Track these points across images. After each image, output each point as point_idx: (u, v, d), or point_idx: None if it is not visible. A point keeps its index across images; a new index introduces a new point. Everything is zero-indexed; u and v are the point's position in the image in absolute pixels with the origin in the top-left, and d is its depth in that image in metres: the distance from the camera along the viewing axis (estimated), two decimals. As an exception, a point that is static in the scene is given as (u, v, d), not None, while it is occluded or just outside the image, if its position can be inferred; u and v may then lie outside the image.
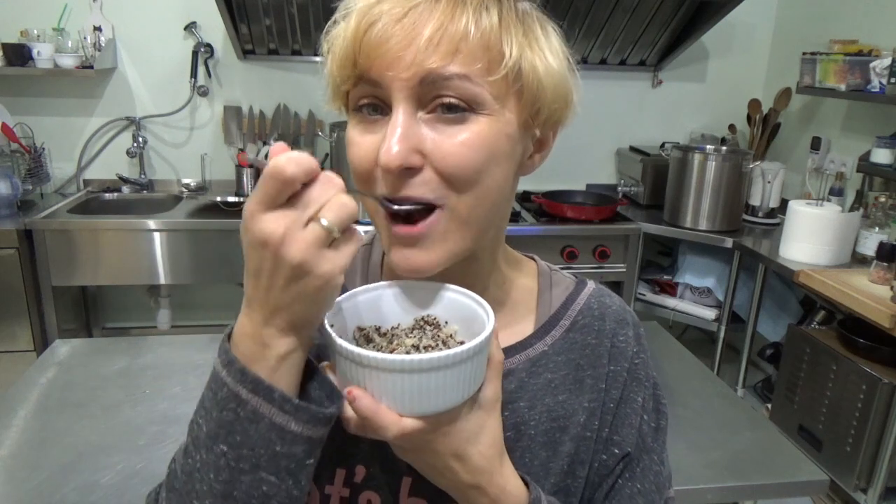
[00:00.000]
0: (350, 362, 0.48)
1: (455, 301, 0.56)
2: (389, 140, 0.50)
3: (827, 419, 2.06)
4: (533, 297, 0.68)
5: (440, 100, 0.51)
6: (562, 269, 0.72)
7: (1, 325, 2.44)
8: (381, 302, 0.57)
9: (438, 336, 0.55)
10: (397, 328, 0.56)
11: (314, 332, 0.50)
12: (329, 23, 0.55)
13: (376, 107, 0.53)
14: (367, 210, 0.56)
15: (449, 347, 0.52)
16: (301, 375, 0.52)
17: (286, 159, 0.43)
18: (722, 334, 2.73)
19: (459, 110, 0.51)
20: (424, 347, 0.53)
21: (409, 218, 0.53)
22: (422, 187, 0.51)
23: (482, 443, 0.53)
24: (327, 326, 0.49)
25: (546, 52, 0.54)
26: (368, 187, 0.53)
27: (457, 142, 0.51)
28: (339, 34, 0.53)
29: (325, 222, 0.45)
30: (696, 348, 1.87)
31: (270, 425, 0.48)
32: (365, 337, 0.55)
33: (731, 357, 2.85)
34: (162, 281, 2.59)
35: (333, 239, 0.46)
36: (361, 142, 0.53)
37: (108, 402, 1.40)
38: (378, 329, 0.56)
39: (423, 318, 0.57)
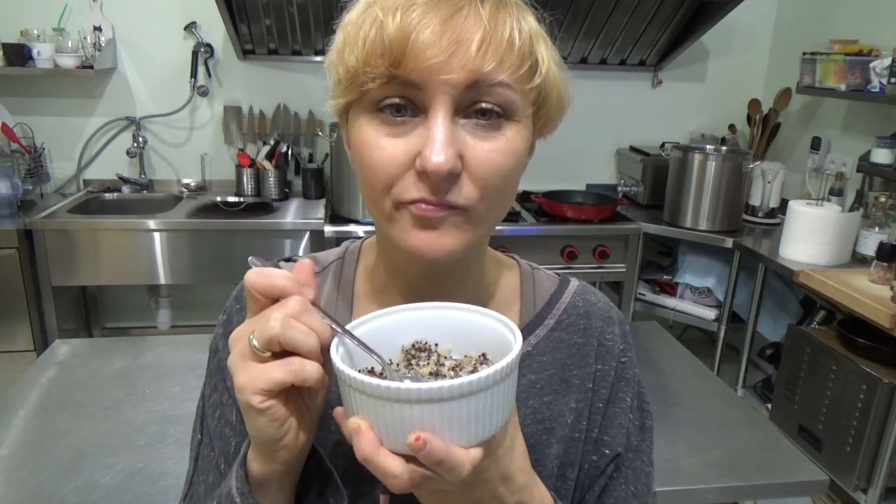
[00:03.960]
0: (392, 402, 0.42)
1: (441, 318, 0.53)
2: (437, 145, 0.48)
3: (827, 419, 2.06)
4: (516, 296, 0.67)
5: (478, 105, 0.50)
6: (561, 269, 0.72)
7: (1, 325, 2.44)
8: (367, 338, 0.51)
9: (442, 359, 0.51)
10: (393, 364, 0.51)
11: (286, 456, 0.49)
12: (350, 12, 0.52)
13: (402, 108, 0.50)
14: (370, 202, 0.54)
15: (462, 368, 0.50)
16: (293, 490, 0.54)
17: (257, 273, 0.46)
18: (722, 334, 2.73)
19: (494, 116, 0.50)
20: (451, 369, 0.49)
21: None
22: (457, 194, 0.50)
23: (518, 457, 0.51)
24: (345, 370, 0.44)
25: (555, 55, 0.54)
26: (389, 192, 0.51)
27: (492, 148, 0.50)
28: (368, 27, 0.49)
29: (251, 336, 0.45)
30: (696, 348, 1.86)
31: None
32: None
33: (731, 357, 2.85)
34: (162, 281, 2.59)
35: (264, 357, 0.46)
36: (387, 146, 0.50)
37: (108, 402, 1.40)
38: (371, 370, 0.51)
39: (412, 346, 0.53)
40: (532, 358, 0.63)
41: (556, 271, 0.72)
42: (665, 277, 2.94)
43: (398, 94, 0.49)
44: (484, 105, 0.50)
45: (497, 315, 0.51)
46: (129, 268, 2.54)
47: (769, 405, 2.43)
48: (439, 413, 0.42)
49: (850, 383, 1.97)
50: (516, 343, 0.46)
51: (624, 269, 2.72)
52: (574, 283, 0.69)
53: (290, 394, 0.48)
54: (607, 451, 0.63)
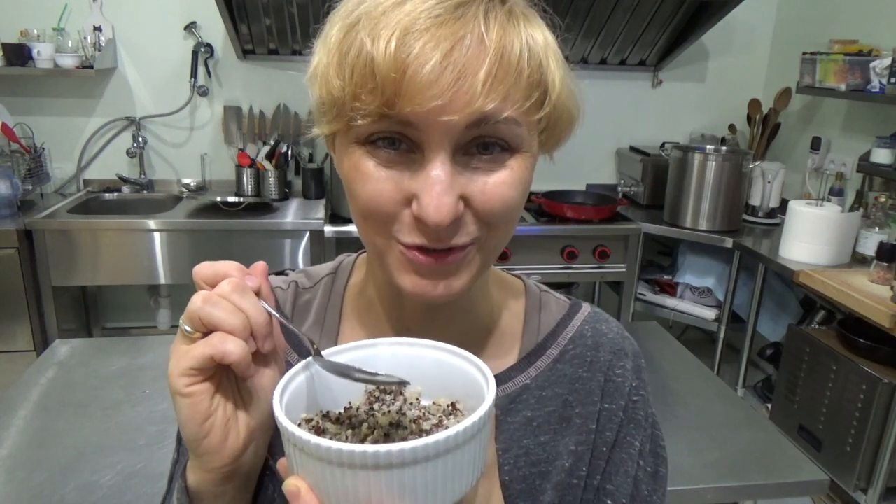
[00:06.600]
0: (334, 466, 0.37)
1: (414, 357, 0.48)
2: (438, 195, 0.44)
3: (827, 419, 2.06)
4: (520, 322, 0.61)
5: (480, 140, 0.45)
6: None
7: (1, 325, 2.44)
8: (324, 378, 0.46)
9: (408, 404, 0.46)
10: (351, 408, 0.46)
11: (213, 463, 0.46)
12: (332, 26, 0.46)
13: (396, 141, 0.45)
14: (358, 230, 0.51)
15: (431, 412, 0.45)
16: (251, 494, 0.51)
17: (204, 264, 0.46)
18: (722, 334, 2.73)
19: (497, 150, 0.46)
20: (413, 421, 0.44)
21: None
22: (462, 234, 0.47)
23: None
24: (283, 421, 0.39)
25: (565, 70, 0.49)
26: (386, 229, 0.47)
27: (497, 182, 0.46)
28: (355, 55, 0.43)
29: (181, 320, 0.44)
30: (696, 348, 1.86)
31: None
32: (315, 429, 0.44)
33: (731, 357, 2.85)
34: (162, 281, 2.59)
35: (194, 338, 0.44)
36: (382, 177, 0.46)
37: (108, 402, 1.40)
38: (327, 415, 0.46)
39: (377, 386, 0.48)
40: (530, 392, 0.57)
41: (564, 294, 0.66)
42: (665, 277, 2.94)
43: (391, 130, 0.45)
44: (487, 140, 0.46)
45: (473, 359, 0.46)
46: (129, 268, 2.54)
47: (769, 405, 2.43)
48: (388, 480, 0.37)
49: (850, 383, 1.97)
50: (488, 395, 0.41)
51: (624, 270, 2.71)
52: (585, 308, 0.63)
53: (220, 390, 0.46)
54: (609, 502, 0.56)
